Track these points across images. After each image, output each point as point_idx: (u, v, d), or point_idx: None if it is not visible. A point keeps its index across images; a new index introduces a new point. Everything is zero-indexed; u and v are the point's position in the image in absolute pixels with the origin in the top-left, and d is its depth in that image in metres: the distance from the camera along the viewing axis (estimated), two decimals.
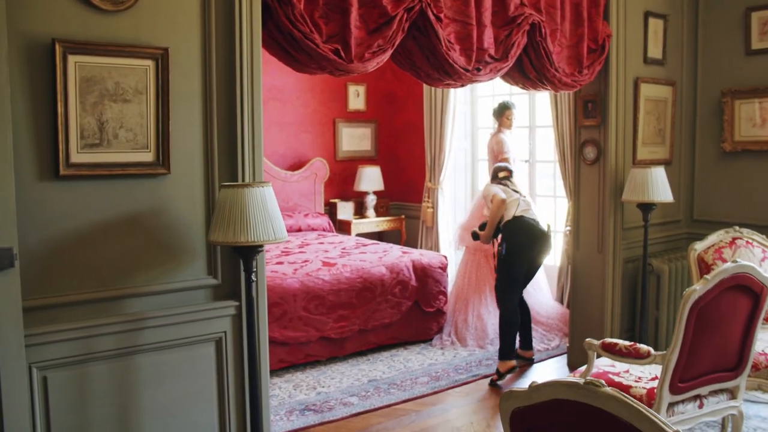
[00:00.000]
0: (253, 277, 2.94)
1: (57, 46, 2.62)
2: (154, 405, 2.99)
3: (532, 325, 5.91)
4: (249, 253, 2.86)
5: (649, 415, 1.44)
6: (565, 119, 5.97)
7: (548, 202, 6.91)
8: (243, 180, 3.11)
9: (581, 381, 1.55)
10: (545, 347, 5.65)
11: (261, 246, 2.86)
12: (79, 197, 2.78)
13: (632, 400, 1.48)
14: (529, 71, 4.25)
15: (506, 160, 6.12)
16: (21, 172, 2.61)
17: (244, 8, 3.01)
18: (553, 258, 6.56)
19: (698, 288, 3.03)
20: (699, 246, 4.43)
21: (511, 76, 4.34)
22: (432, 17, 3.54)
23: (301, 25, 3.09)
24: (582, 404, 1.55)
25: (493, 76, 4.01)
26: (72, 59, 2.66)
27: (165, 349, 3.00)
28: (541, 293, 6.31)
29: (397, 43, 3.45)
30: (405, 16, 3.43)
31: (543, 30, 4.11)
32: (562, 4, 4.32)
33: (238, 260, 3.08)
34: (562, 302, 6.31)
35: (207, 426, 3.14)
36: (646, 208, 4.68)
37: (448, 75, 3.78)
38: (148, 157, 2.88)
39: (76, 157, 2.72)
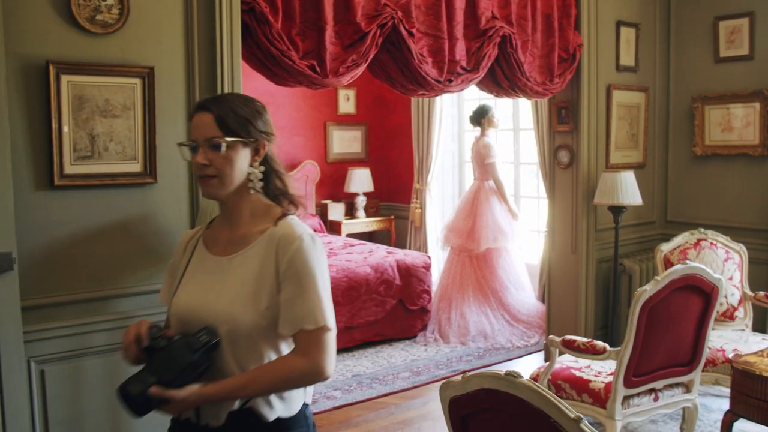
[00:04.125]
0: None
1: (51, 67, 2.85)
2: None
3: (514, 323, 6.15)
4: None
5: (555, 402, 1.66)
6: (545, 123, 6.17)
7: (532, 203, 7.13)
8: None
9: (503, 372, 1.78)
10: (525, 344, 5.88)
11: None
12: (73, 205, 3.01)
13: (543, 390, 1.70)
14: (502, 80, 4.47)
15: (493, 165, 6.36)
16: (19, 182, 2.84)
17: (224, 29, 3.23)
18: (536, 257, 6.79)
19: (648, 288, 3.25)
20: (665, 247, 4.65)
21: (484, 85, 4.56)
22: (404, 32, 3.76)
23: (278, 43, 3.31)
24: (504, 393, 1.78)
25: (465, 87, 4.23)
26: (65, 79, 2.89)
27: None
28: (524, 292, 6.53)
29: (370, 57, 3.67)
30: (378, 32, 3.65)
31: (514, 41, 4.32)
32: (533, 15, 4.53)
33: None
34: (543, 301, 6.52)
35: None
36: (616, 210, 4.89)
37: (421, 86, 4.01)
38: (136, 167, 3.11)
39: (69, 169, 2.95)
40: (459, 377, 1.90)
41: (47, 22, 2.88)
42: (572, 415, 1.63)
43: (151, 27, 3.12)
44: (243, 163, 1.91)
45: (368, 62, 3.70)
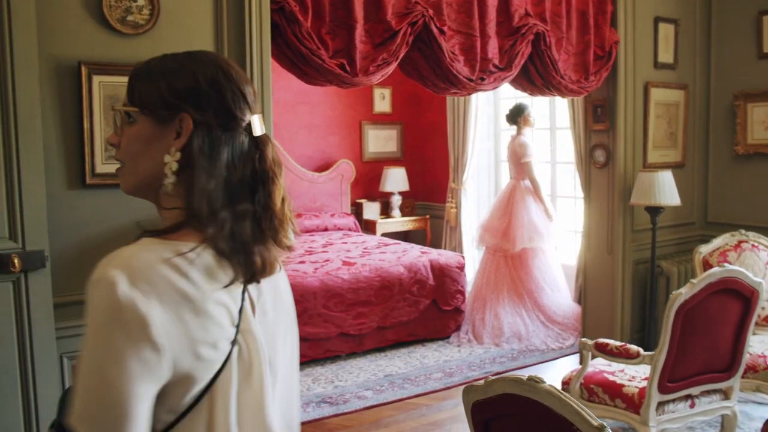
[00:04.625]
0: None
1: (83, 68, 2.89)
2: None
3: (549, 324, 6.06)
4: None
5: (577, 408, 1.62)
6: (581, 122, 6.08)
7: (569, 203, 7.03)
8: None
9: (525, 377, 1.74)
10: (559, 346, 5.79)
11: None
12: (104, 204, 3.04)
13: (566, 396, 1.66)
14: (536, 78, 4.41)
15: (529, 164, 6.27)
16: (52, 181, 2.89)
17: (254, 28, 3.24)
18: (572, 258, 6.68)
19: (684, 291, 3.16)
20: (704, 249, 4.53)
21: (518, 83, 4.51)
22: (435, 30, 3.73)
23: (308, 42, 3.31)
24: (526, 398, 1.74)
25: (497, 85, 4.18)
26: (96, 79, 2.93)
27: None
28: (560, 293, 6.43)
29: (401, 56, 3.65)
30: (409, 30, 3.63)
31: (548, 39, 4.26)
32: (568, 12, 4.46)
33: None
34: (580, 302, 6.41)
35: None
36: (653, 211, 4.79)
37: (453, 85, 3.97)
38: None
39: (100, 168, 2.99)
40: (482, 381, 1.87)
41: (79, 24, 2.92)
42: (595, 423, 1.59)
43: (181, 27, 3.14)
44: (157, 146, 1.25)
45: (399, 61, 3.68)
